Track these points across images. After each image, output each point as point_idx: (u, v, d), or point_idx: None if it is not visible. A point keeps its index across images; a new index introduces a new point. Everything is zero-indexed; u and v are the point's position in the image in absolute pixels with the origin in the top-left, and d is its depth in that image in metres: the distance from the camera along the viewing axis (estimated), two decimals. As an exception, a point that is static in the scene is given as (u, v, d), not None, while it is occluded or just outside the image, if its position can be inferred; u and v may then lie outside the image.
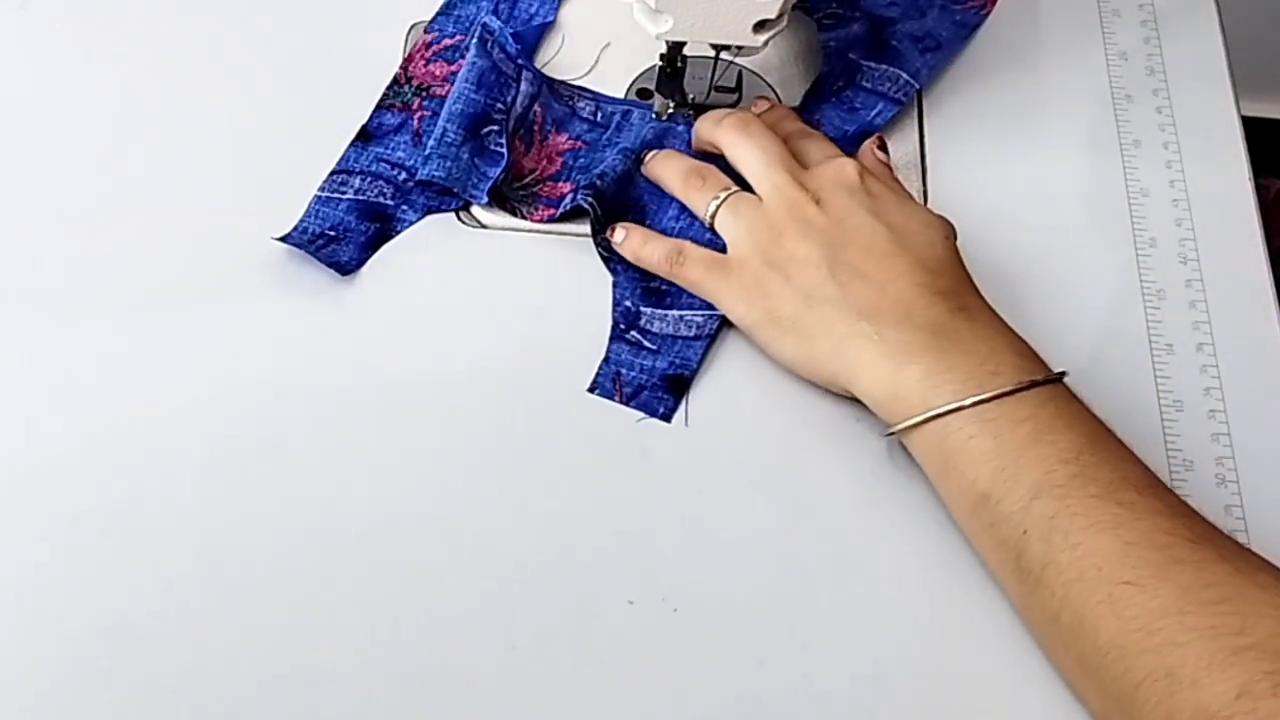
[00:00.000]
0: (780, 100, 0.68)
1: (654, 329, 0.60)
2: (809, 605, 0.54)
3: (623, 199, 0.64)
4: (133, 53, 0.69)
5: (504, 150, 0.64)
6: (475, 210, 0.64)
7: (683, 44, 0.63)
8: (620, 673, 0.53)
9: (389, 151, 0.65)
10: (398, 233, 0.63)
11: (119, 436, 0.57)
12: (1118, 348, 0.61)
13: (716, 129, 0.63)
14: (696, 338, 0.60)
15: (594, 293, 0.62)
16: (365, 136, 0.66)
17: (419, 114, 0.66)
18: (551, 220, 0.64)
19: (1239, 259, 0.65)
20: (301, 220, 0.63)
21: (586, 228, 0.64)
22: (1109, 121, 0.69)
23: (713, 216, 0.61)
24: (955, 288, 0.57)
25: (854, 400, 0.58)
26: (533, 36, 0.69)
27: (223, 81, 0.68)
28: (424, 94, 0.67)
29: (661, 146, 0.66)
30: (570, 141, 0.66)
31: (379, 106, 0.67)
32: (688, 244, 0.61)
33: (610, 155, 0.65)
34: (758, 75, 0.69)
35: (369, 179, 0.64)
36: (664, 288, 0.62)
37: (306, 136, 0.66)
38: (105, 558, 0.54)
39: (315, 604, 0.53)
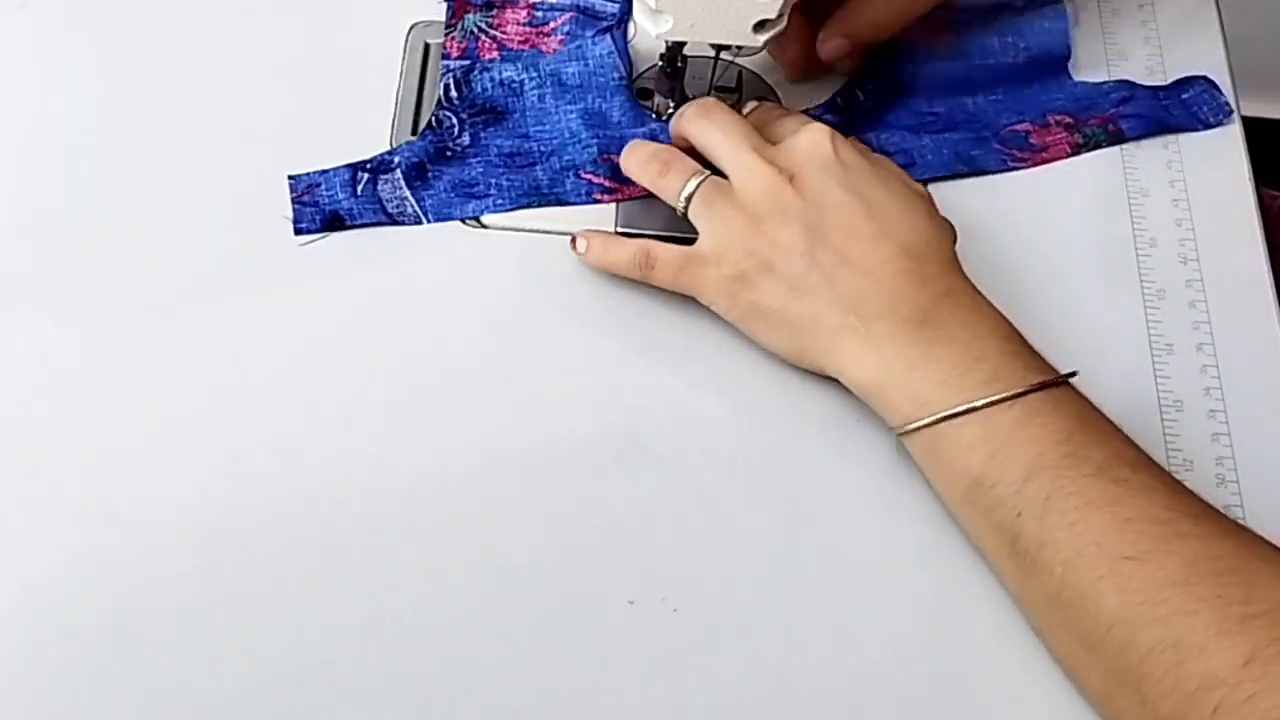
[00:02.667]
0: (780, 101, 0.68)
1: None
2: (809, 605, 0.54)
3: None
4: (133, 53, 0.69)
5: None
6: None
7: (683, 44, 0.63)
8: (620, 673, 0.53)
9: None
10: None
11: (118, 436, 0.57)
12: (1118, 348, 0.61)
13: (679, 120, 0.61)
14: None
15: (594, 292, 0.62)
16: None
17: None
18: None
19: (1239, 259, 0.65)
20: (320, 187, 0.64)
21: (586, 227, 0.64)
22: (1109, 121, 0.69)
23: (685, 207, 0.59)
24: (939, 270, 0.56)
25: (855, 400, 0.58)
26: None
27: (223, 82, 0.68)
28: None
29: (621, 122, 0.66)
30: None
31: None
32: (654, 244, 0.60)
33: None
34: (758, 75, 0.69)
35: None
36: None
37: (307, 137, 0.66)
38: (105, 557, 0.54)
39: (314, 603, 0.53)
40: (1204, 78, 0.68)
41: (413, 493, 0.56)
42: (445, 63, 0.68)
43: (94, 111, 0.67)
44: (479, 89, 0.67)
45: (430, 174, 0.65)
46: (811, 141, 0.58)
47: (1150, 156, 0.68)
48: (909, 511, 0.57)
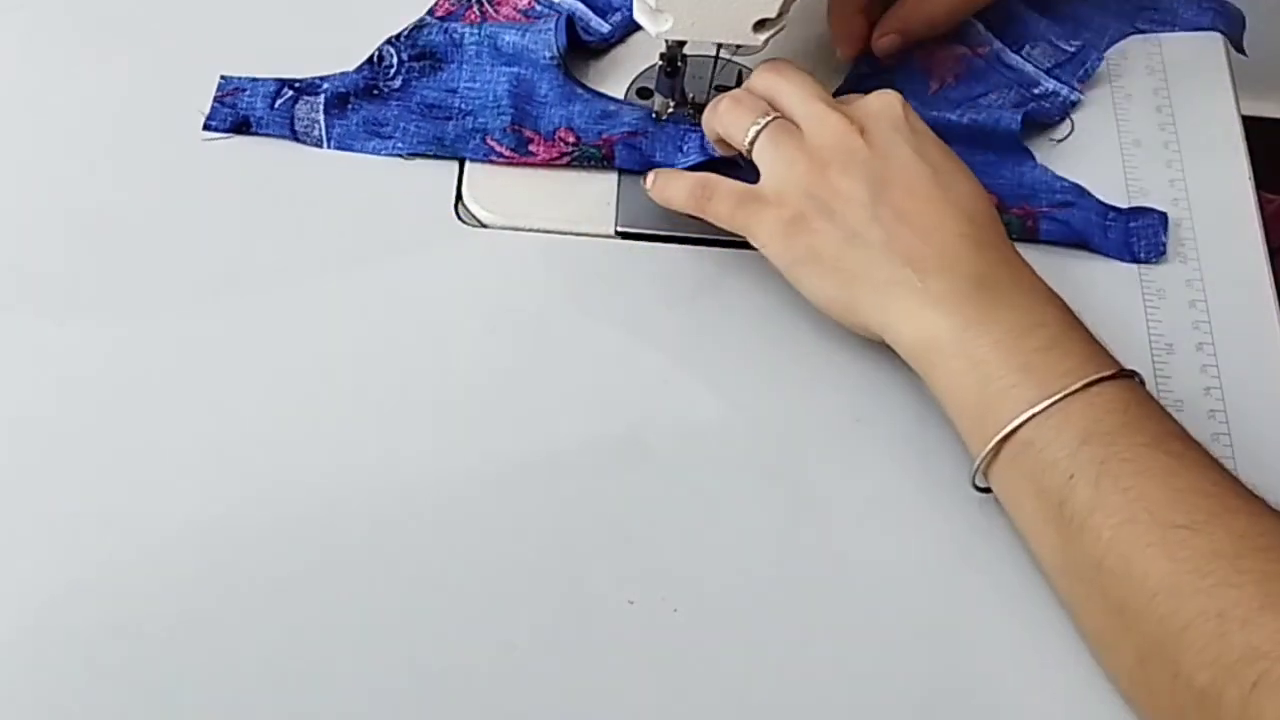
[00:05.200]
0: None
1: None
2: (809, 606, 0.54)
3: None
4: (132, 52, 0.69)
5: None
6: (475, 210, 0.64)
7: (683, 43, 0.63)
8: (620, 673, 0.53)
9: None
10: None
11: (118, 436, 0.57)
12: (1118, 348, 0.61)
13: (753, 78, 0.61)
14: None
15: (594, 292, 0.62)
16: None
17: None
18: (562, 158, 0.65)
19: (1239, 259, 0.65)
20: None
21: (587, 227, 0.64)
22: (1109, 121, 0.69)
23: (751, 143, 0.58)
24: (997, 240, 0.56)
25: (856, 400, 0.58)
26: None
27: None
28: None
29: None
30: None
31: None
32: (714, 176, 0.59)
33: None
34: (758, 75, 0.69)
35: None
36: None
37: (306, 136, 0.66)
38: (105, 557, 0.54)
39: (314, 603, 0.53)
40: (1159, 213, 0.64)
41: (413, 493, 0.56)
42: (424, 15, 0.70)
43: (94, 111, 0.67)
44: (427, 34, 0.69)
45: (350, 106, 0.67)
46: (885, 102, 0.58)
47: (1150, 156, 0.68)
48: (910, 512, 0.57)
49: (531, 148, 0.65)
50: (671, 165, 0.64)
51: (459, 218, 0.64)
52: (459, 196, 0.65)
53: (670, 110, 0.66)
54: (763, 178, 0.58)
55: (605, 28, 0.70)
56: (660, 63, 0.65)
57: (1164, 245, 0.64)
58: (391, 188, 0.65)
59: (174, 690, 0.51)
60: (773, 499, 0.57)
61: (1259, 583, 0.46)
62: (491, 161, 0.65)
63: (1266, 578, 0.46)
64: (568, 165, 0.65)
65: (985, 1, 0.67)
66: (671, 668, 0.53)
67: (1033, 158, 0.66)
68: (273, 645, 0.52)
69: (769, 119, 0.58)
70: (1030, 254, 0.61)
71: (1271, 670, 0.44)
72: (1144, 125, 0.69)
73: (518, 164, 0.65)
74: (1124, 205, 0.66)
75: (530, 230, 0.64)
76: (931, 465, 0.58)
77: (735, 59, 0.68)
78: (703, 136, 0.63)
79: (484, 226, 0.64)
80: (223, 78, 0.67)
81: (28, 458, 0.56)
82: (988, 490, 0.55)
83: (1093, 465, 0.50)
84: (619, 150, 0.64)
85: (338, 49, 0.69)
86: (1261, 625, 0.45)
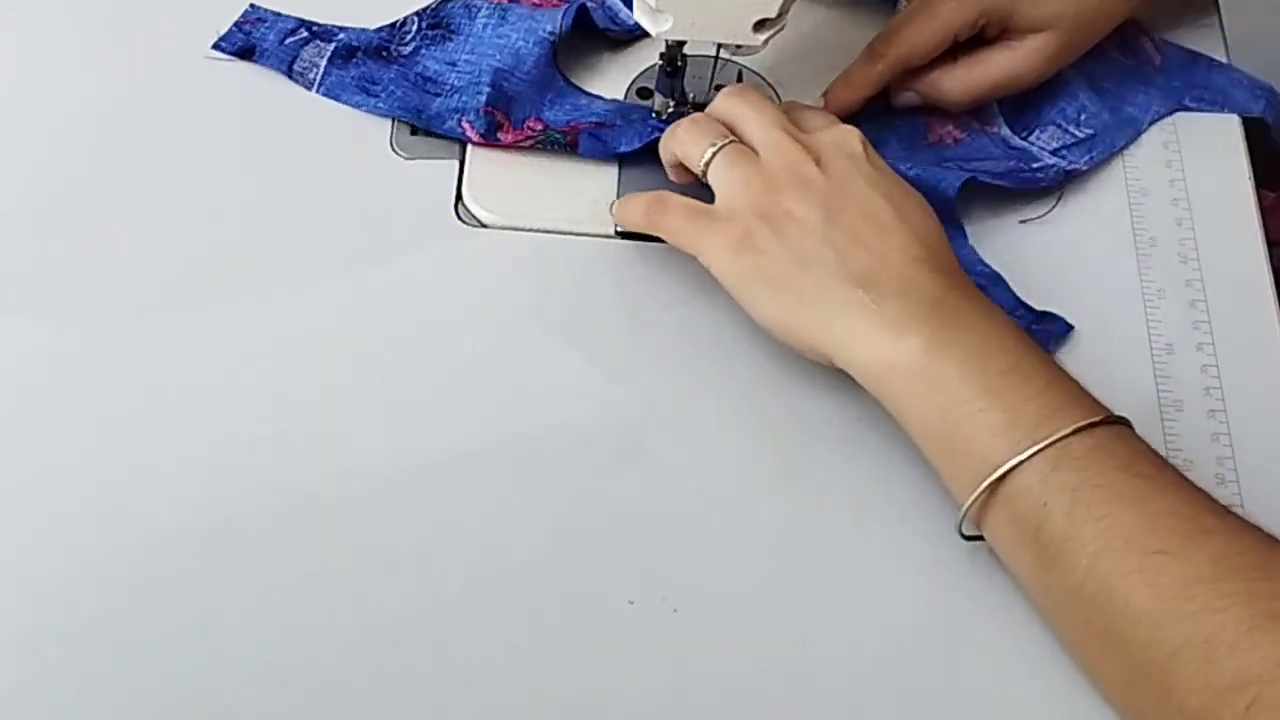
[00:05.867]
0: (780, 100, 0.68)
1: None
2: (809, 605, 0.54)
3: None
4: (132, 53, 0.69)
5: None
6: (475, 210, 0.64)
7: (683, 43, 0.63)
8: (620, 673, 0.53)
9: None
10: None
11: (118, 436, 0.57)
12: (1118, 348, 0.61)
13: (713, 104, 0.61)
14: None
15: (594, 292, 0.62)
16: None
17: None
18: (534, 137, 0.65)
19: (1239, 259, 0.65)
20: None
21: (587, 227, 0.64)
22: (1109, 121, 0.69)
23: (706, 165, 0.58)
24: (951, 267, 0.56)
25: (856, 400, 0.58)
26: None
27: (222, 81, 0.68)
28: None
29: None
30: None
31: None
32: (669, 194, 0.60)
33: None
34: (758, 75, 0.69)
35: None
36: None
37: (306, 136, 0.66)
38: (104, 557, 0.54)
39: (314, 603, 0.53)
40: (1063, 323, 0.61)
41: (412, 492, 0.56)
42: None
43: (93, 110, 0.67)
44: (450, 6, 0.70)
45: (354, 60, 0.68)
46: (841, 133, 0.58)
47: (1150, 156, 0.68)
48: (910, 511, 0.57)
49: (500, 134, 0.65)
50: (632, 150, 0.64)
51: (459, 218, 0.64)
52: (459, 196, 0.65)
53: (670, 110, 0.66)
54: (717, 198, 0.58)
55: (633, 19, 0.69)
56: (660, 63, 0.65)
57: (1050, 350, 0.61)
58: (391, 187, 0.65)
59: (173, 690, 0.51)
60: (772, 499, 0.57)
61: (1244, 604, 0.46)
62: (463, 140, 0.66)
63: (1250, 598, 0.46)
64: (530, 148, 0.65)
65: (1007, 92, 0.66)
66: (671, 668, 0.53)
67: (964, 233, 0.64)
68: (271, 646, 0.52)
69: (725, 141, 0.59)
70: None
71: (1264, 693, 0.44)
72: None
73: (482, 146, 0.65)
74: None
75: (530, 230, 0.64)
76: (931, 466, 0.57)
77: (735, 59, 0.68)
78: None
79: (484, 226, 0.64)
80: (251, 5, 0.69)
81: (28, 457, 0.56)
82: (975, 538, 0.54)
83: (1065, 492, 0.50)
84: (583, 139, 0.65)
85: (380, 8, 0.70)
86: (1251, 648, 0.45)
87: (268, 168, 0.65)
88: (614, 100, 0.68)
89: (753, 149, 0.58)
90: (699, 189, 0.60)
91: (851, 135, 0.58)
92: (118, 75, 0.68)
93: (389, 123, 0.67)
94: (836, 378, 0.59)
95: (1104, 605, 0.49)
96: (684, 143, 0.60)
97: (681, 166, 0.61)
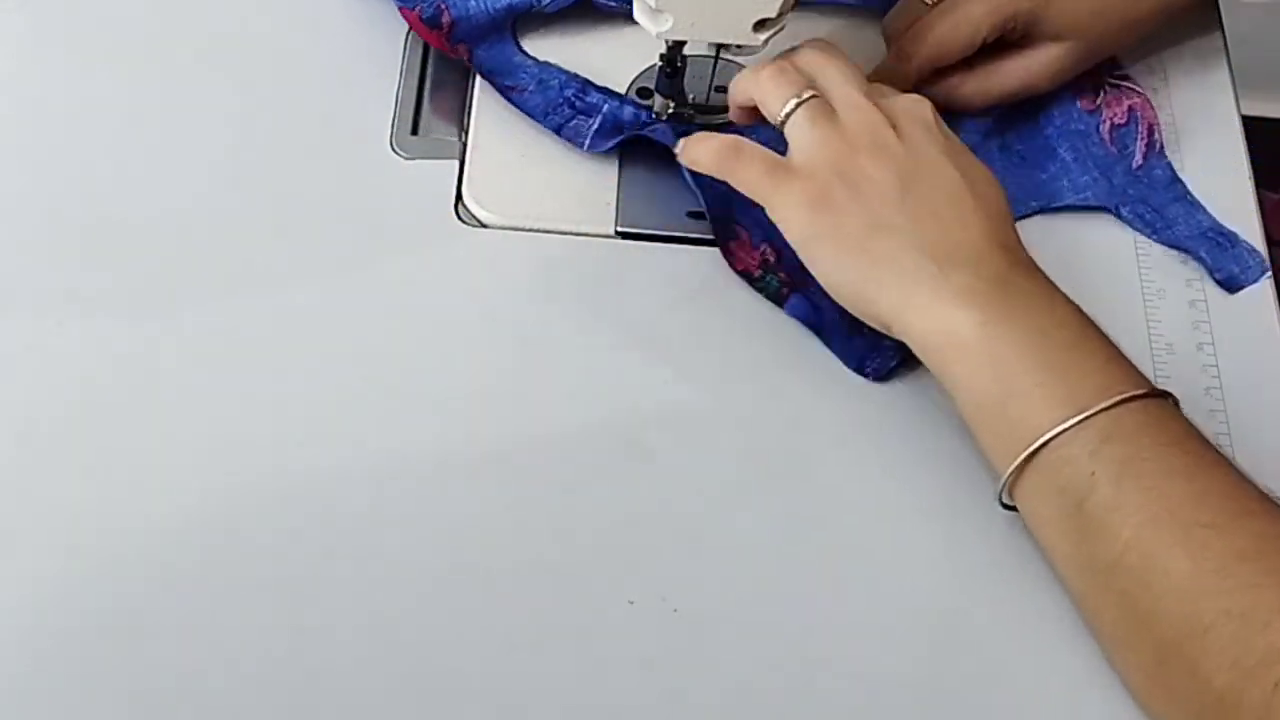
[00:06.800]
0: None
1: None
2: (809, 605, 0.54)
3: None
4: (132, 53, 0.69)
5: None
6: (475, 210, 0.64)
7: (683, 43, 0.63)
8: (620, 673, 0.53)
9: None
10: None
11: (118, 436, 0.57)
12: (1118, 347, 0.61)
13: (797, 54, 0.61)
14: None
15: (594, 292, 0.62)
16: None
17: None
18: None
19: (1239, 259, 0.65)
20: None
21: (587, 227, 0.64)
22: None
23: (786, 116, 0.58)
24: (1016, 245, 0.56)
25: (856, 400, 0.58)
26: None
27: (222, 81, 0.68)
28: None
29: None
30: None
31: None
32: (745, 140, 0.59)
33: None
34: (758, 75, 0.69)
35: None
36: None
37: (306, 136, 0.66)
38: (104, 557, 0.54)
39: (314, 604, 0.53)
40: (901, 346, 0.58)
41: (412, 492, 0.56)
42: None
43: (93, 110, 0.67)
44: None
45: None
46: (914, 101, 0.58)
47: (1150, 156, 0.68)
48: (909, 512, 0.57)
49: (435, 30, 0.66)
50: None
51: (459, 218, 0.64)
52: (459, 196, 0.65)
53: (670, 110, 0.66)
54: (792, 151, 0.58)
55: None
56: (660, 63, 0.65)
57: (890, 369, 0.60)
58: (391, 187, 0.65)
59: (173, 690, 0.51)
60: (773, 499, 0.57)
61: None
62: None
63: None
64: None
65: (1018, 98, 0.67)
66: (671, 668, 0.53)
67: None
68: (270, 646, 0.52)
69: (809, 95, 0.58)
70: (1030, 241, 0.61)
71: None
72: (1144, 125, 0.69)
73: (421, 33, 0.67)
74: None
75: (530, 230, 0.64)
76: (931, 467, 0.58)
77: (735, 59, 0.68)
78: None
79: (484, 226, 0.64)
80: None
81: (28, 457, 0.56)
82: (1013, 508, 0.54)
83: (1114, 464, 0.50)
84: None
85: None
86: None
87: (268, 167, 0.65)
88: (640, 103, 0.67)
89: (832, 107, 0.58)
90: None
91: (925, 105, 0.58)
92: (118, 75, 0.68)
93: (389, 123, 0.67)
94: (837, 378, 0.59)
95: (1142, 576, 0.49)
96: (767, 90, 0.59)
97: (749, 109, 0.61)
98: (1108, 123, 0.66)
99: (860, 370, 0.60)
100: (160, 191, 0.64)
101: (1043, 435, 0.51)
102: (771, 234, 0.61)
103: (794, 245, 0.57)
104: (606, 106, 0.66)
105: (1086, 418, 0.51)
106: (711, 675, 0.53)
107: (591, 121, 0.66)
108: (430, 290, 0.62)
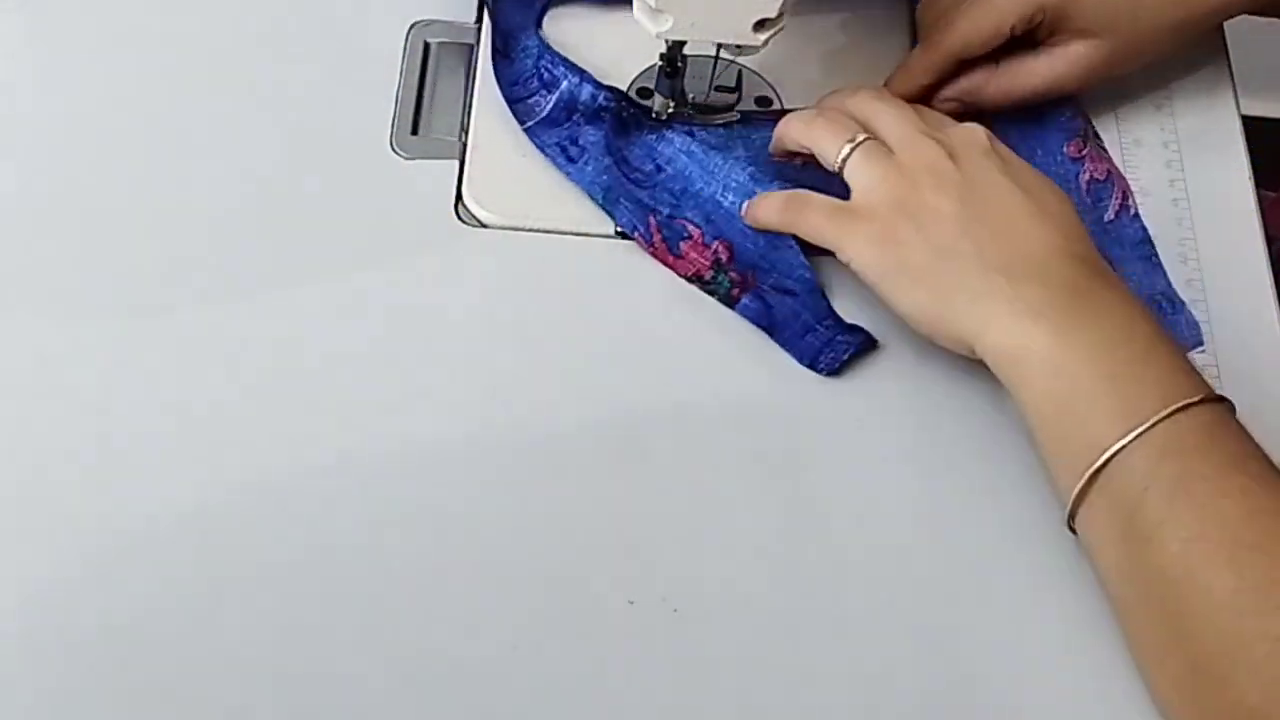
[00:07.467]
0: (780, 100, 0.68)
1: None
2: (809, 606, 0.54)
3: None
4: (132, 52, 0.69)
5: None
6: (475, 210, 0.64)
7: (683, 43, 0.63)
8: (620, 673, 0.53)
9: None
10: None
11: (117, 436, 0.57)
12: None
13: (846, 99, 0.62)
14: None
15: (594, 292, 0.62)
16: None
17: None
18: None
19: (1239, 259, 0.65)
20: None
21: (586, 227, 0.64)
22: (1109, 120, 0.69)
23: (843, 161, 0.59)
24: (1089, 254, 0.56)
25: (856, 401, 0.58)
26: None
27: (222, 81, 0.68)
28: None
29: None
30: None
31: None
32: (805, 192, 0.60)
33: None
34: (758, 75, 0.69)
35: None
36: None
37: (306, 136, 0.66)
38: (104, 557, 0.54)
39: (315, 604, 0.53)
40: (867, 335, 0.60)
41: (412, 492, 0.56)
42: None
43: (93, 111, 0.67)
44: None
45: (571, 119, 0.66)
46: (971, 130, 0.59)
47: (1150, 156, 0.68)
48: (911, 512, 0.57)
49: (682, 244, 0.63)
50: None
51: (459, 218, 0.64)
52: (459, 196, 0.65)
53: (670, 110, 0.66)
54: (854, 194, 0.58)
55: None
56: (660, 63, 0.65)
57: (844, 361, 0.60)
58: (391, 187, 0.65)
59: (173, 690, 0.52)
60: (773, 500, 0.57)
61: None
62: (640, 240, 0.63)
63: None
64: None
65: (1044, 99, 0.66)
66: (671, 668, 0.53)
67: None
68: (270, 646, 0.53)
69: (864, 138, 0.59)
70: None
71: None
72: (1144, 125, 0.69)
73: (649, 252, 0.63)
74: None
75: (530, 230, 0.64)
76: (931, 468, 0.58)
77: (735, 59, 0.68)
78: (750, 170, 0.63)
79: (484, 226, 0.64)
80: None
81: (27, 457, 0.56)
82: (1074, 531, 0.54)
83: (1170, 480, 0.50)
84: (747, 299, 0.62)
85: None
86: None
87: (268, 167, 0.65)
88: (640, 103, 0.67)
89: (887, 146, 0.59)
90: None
91: (979, 131, 0.59)
92: (117, 76, 0.68)
93: (389, 123, 0.67)
94: (838, 380, 0.59)
95: (1184, 590, 0.49)
96: (820, 137, 0.60)
97: (795, 154, 0.62)
98: (1088, 174, 0.66)
99: (813, 366, 0.60)
100: (160, 191, 0.64)
101: (1106, 451, 0.51)
102: (724, 230, 0.62)
103: (870, 286, 0.58)
104: (565, 83, 0.66)
105: (1145, 430, 0.51)
106: (711, 675, 0.53)
107: (549, 98, 0.65)
108: (430, 290, 0.62)
